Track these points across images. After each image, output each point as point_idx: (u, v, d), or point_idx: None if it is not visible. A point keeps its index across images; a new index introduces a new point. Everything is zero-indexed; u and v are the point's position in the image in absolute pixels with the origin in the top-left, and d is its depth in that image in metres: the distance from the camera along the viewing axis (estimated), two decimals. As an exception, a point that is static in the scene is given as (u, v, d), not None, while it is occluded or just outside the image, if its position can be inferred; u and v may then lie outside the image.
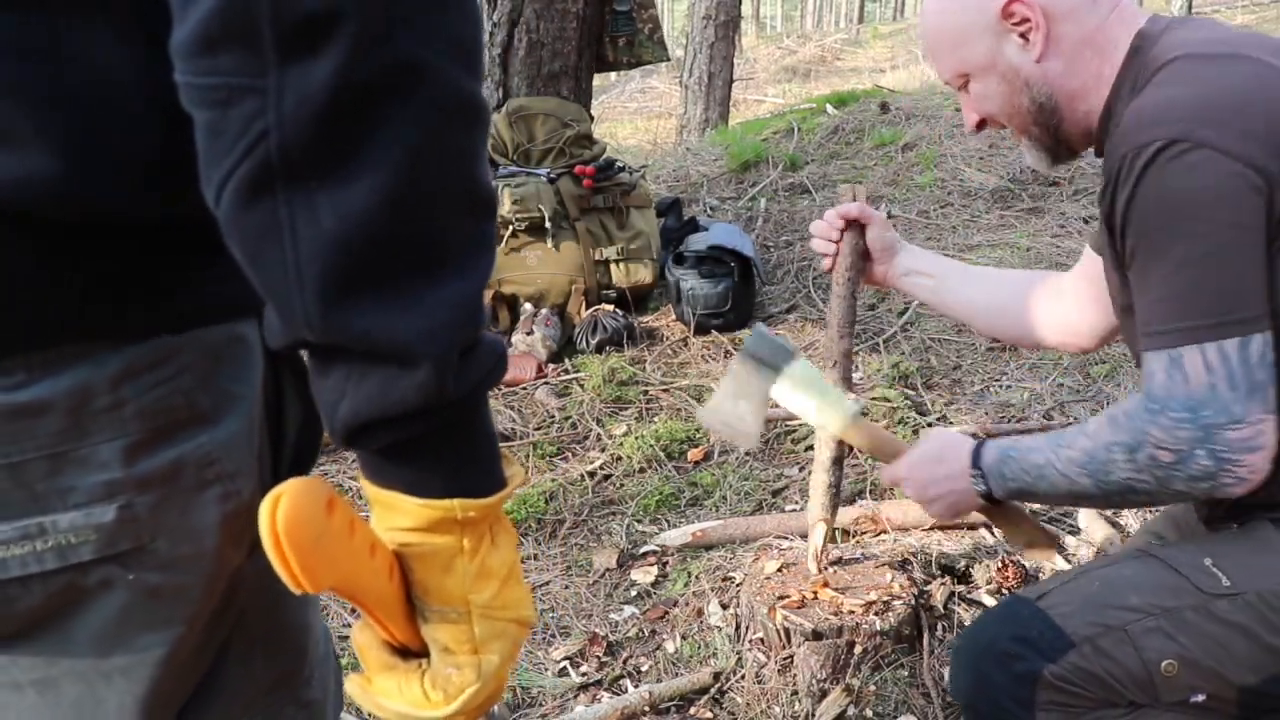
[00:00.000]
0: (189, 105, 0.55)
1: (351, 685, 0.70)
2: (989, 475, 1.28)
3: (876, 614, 1.79)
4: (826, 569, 1.86)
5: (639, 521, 2.46)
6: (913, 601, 1.84)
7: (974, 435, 1.44)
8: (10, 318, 0.60)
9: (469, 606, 0.68)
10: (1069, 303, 1.57)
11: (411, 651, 0.70)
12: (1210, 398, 1.09)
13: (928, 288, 1.64)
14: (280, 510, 0.58)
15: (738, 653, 1.89)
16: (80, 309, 0.62)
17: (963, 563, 2.12)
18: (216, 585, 0.69)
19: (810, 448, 2.69)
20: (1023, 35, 1.28)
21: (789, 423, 2.80)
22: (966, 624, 1.91)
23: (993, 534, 2.25)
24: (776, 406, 1.43)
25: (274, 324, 0.60)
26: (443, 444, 0.64)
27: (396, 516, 0.65)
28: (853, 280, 1.63)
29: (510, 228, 3.57)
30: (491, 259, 0.63)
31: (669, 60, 4.69)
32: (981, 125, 1.40)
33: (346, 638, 2.08)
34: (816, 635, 1.75)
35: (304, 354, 0.63)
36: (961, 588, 2.03)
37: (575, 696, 1.88)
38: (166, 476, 0.65)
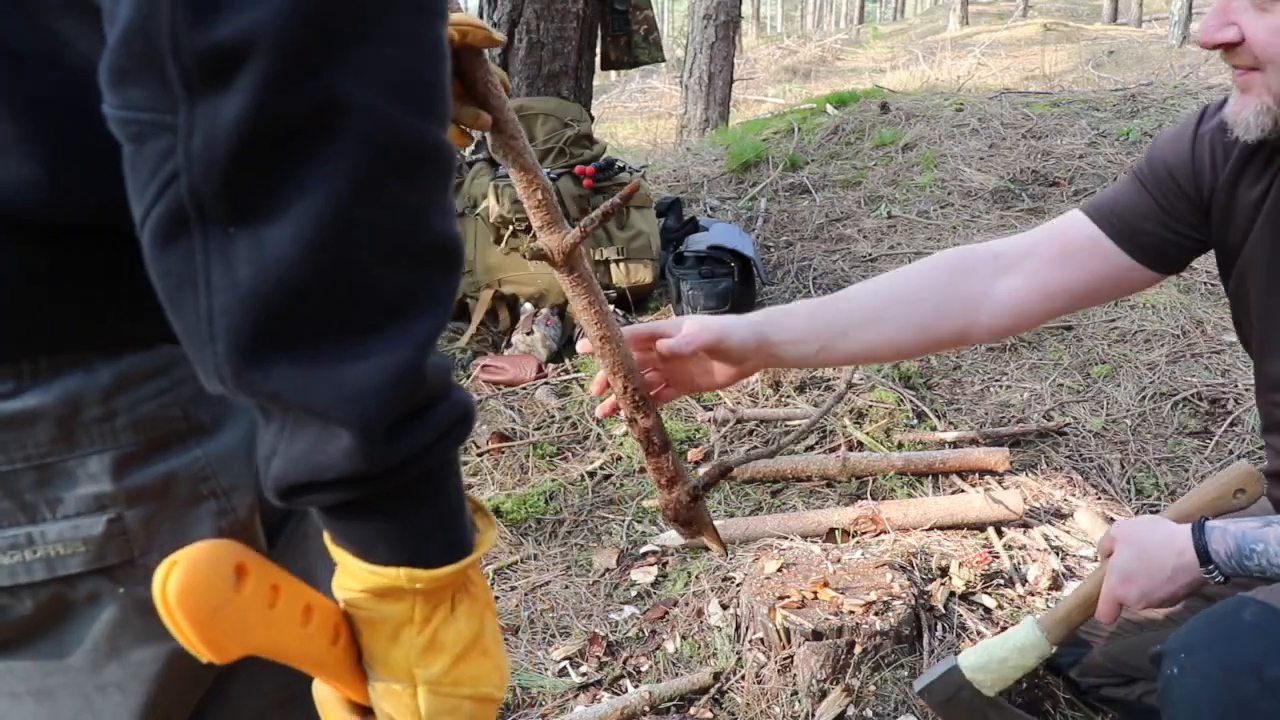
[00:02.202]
0: (117, 137, 0.51)
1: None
2: (1224, 569, 1.17)
3: (876, 614, 1.78)
4: None
5: (639, 521, 2.46)
6: (913, 601, 1.84)
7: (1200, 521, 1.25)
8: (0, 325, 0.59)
9: (414, 680, 0.63)
10: (1013, 279, 1.36)
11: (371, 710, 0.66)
12: None
13: (809, 346, 1.30)
14: (171, 581, 0.54)
15: (738, 653, 1.89)
16: (75, 316, 0.60)
17: (956, 563, 2.13)
18: None
19: (811, 447, 2.69)
20: None
21: (789, 423, 2.80)
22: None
23: (1001, 535, 2.26)
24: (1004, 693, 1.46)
25: (198, 371, 0.55)
26: (388, 509, 0.59)
27: (346, 577, 0.62)
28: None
29: (510, 227, 3.57)
30: (443, 317, 0.57)
31: (663, 61, 4.69)
32: (1223, 48, 1.11)
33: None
34: (816, 635, 1.75)
35: None
36: (960, 586, 2.03)
37: (575, 696, 1.88)
38: (159, 490, 0.64)
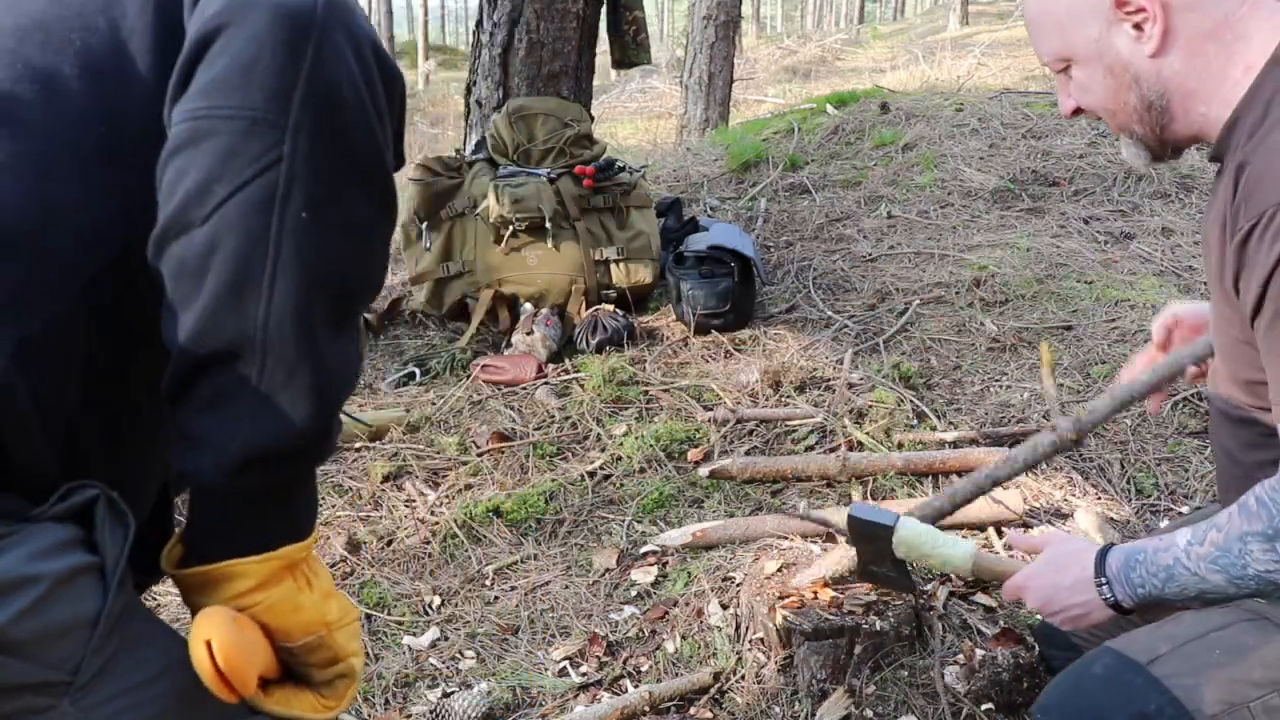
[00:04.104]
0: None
1: (253, 699, 0.78)
2: (1115, 582, 1.19)
3: (876, 614, 1.78)
4: None
5: (639, 521, 2.46)
6: (913, 601, 1.84)
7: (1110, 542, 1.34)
8: None
9: (327, 627, 0.78)
10: None
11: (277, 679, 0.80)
12: None
13: None
14: (218, 651, 0.69)
15: (738, 653, 1.88)
16: None
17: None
18: None
19: (810, 447, 2.69)
20: (1136, 26, 1.13)
21: (788, 423, 2.80)
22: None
23: (1000, 535, 2.26)
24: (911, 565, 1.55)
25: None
26: (302, 486, 0.76)
27: (237, 583, 0.74)
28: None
29: (510, 227, 3.57)
30: (351, 386, 0.77)
31: (649, 64, 4.70)
32: (1078, 113, 1.27)
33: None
34: (816, 635, 1.75)
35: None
36: (960, 586, 2.03)
37: (575, 696, 1.88)
38: None
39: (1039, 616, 1.38)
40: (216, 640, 0.69)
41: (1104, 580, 1.20)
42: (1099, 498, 2.42)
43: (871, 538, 1.54)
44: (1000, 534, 2.26)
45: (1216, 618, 1.21)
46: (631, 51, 4.37)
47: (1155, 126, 1.19)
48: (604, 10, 4.27)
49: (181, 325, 0.69)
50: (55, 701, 0.70)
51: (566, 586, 2.23)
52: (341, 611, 0.80)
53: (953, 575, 1.58)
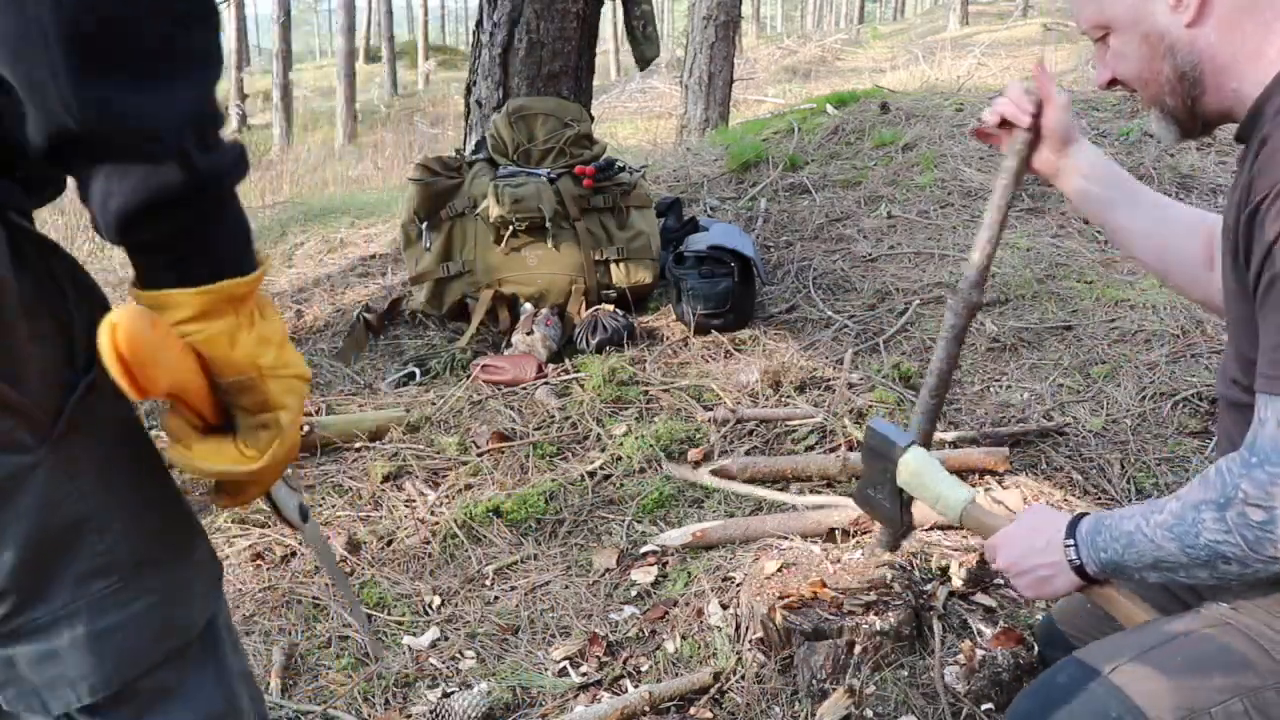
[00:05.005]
0: None
1: (174, 454, 0.81)
2: (1082, 544, 1.22)
3: (876, 614, 1.79)
4: None
5: (639, 521, 2.46)
6: (913, 601, 1.84)
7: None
8: None
9: (259, 370, 0.79)
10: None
11: (216, 428, 0.82)
12: None
13: (1093, 198, 1.47)
14: (120, 334, 0.70)
15: (738, 653, 1.88)
16: None
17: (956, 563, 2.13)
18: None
19: (810, 447, 2.69)
20: None
21: (788, 423, 2.80)
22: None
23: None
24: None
25: (39, 122, 0.67)
26: (205, 231, 0.74)
27: (175, 312, 0.75)
28: (1020, 167, 1.50)
29: (510, 227, 3.57)
30: (217, 69, 0.72)
31: (658, 56, 4.71)
32: (1112, 84, 1.27)
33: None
34: (816, 635, 1.75)
35: (75, 177, 0.73)
36: (960, 586, 2.03)
37: (575, 696, 1.88)
38: None
39: (1005, 578, 1.37)
40: (121, 325, 0.70)
41: (1072, 542, 1.23)
42: (1099, 498, 2.42)
43: (881, 455, 1.51)
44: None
45: (1180, 625, 1.22)
46: (641, 45, 4.38)
47: (1186, 98, 1.20)
48: (621, 13, 4.29)
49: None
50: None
51: (566, 586, 2.23)
52: (281, 361, 0.81)
53: (942, 522, 1.52)
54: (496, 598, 2.22)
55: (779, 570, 1.93)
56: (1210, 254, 1.41)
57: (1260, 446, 1.04)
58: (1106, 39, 1.24)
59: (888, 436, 1.52)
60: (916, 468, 1.48)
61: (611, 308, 3.51)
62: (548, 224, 3.56)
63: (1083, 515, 1.25)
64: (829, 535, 2.25)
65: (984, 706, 1.71)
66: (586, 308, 3.55)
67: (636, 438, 2.74)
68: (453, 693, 1.87)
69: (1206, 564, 1.09)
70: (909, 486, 1.50)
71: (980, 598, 2.03)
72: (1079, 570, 1.23)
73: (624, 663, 1.97)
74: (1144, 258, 1.50)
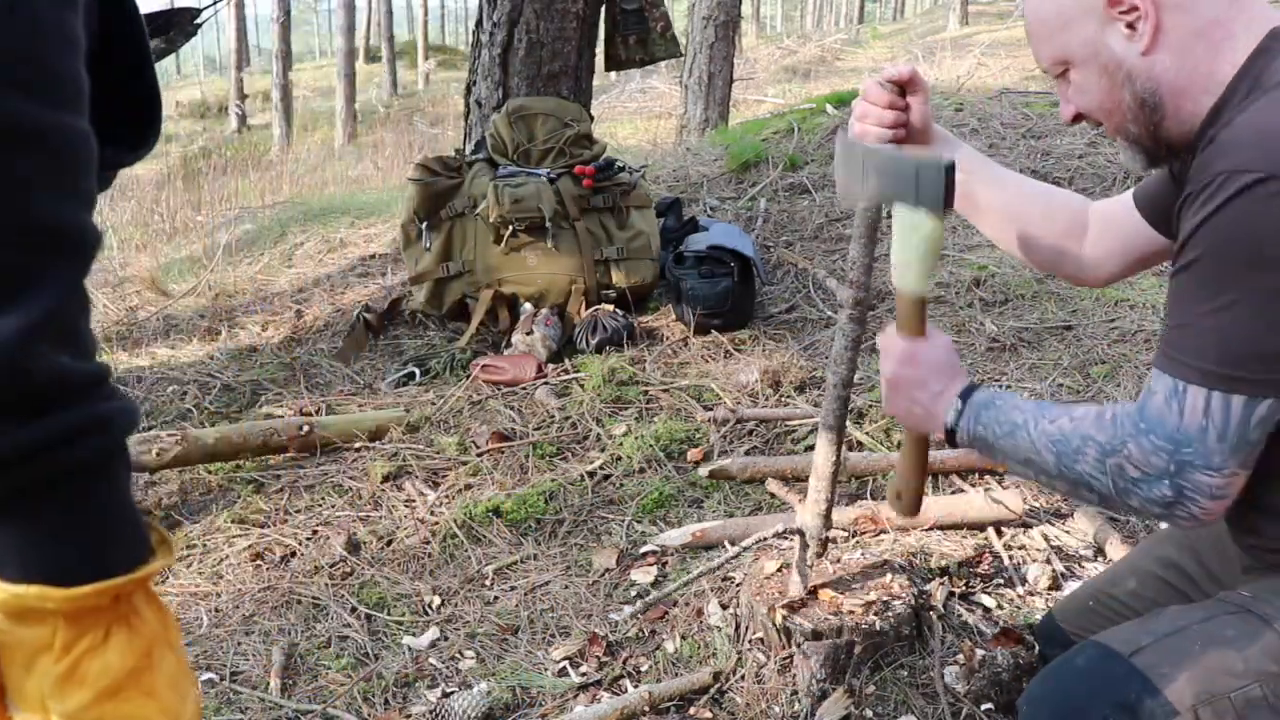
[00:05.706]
0: None
1: None
2: (968, 412, 1.25)
3: (876, 614, 1.78)
4: None
5: (639, 521, 2.46)
6: (913, 601, 1.84)
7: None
8: None
9: (48, 716, 0.57)
10: (1089, 239, 1.49)
11: None
12: (1197, 439, 1.07)
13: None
14: None
15: (738, 653, 1.88)
16: None
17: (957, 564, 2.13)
18: None
19: (810, 447, 2.69)
20: (1129, 25, 1.17)
21: (788, 423, 2.80)
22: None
23: (1000, 535, 2.26)
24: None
25: None
26: (15, 515, 0.54)
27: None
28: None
29: (510, 227, 3.57)
30: (59, 305, 0.53)
31: (681, 55, 4.69)
32: (1078, 119, 1.30)
33: (346, 637, 2.07)
34: (816, 635, 1.75)
35: None
36: (960, 586, 2.03)
37: (575, 696, 1.88)
38: None
39: (880, 389, 1.36)
40: None
41: (960, 407, 1.26)
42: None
43: (850, 166, 1.39)
44: (1000, 534, 2.26)
45: (1199, 612, 1.25)
46: (659, 46, 4.37)
47: (1149, 125, 1.22)
48: (608, 7, 4.27)
49: None
50: None
51: (566, 586, 2.23)
52: (97, 717, 0.57)
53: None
54: (496, 598, 2.22)
55: (779, 570, 1.93)
56: (1078, 226, 1.49)
57: (1148, 415, 1.11)
58: (1067, 74, 1.26)
59: (892, 162, 1.32)
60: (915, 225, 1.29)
61: (611, 308, 3.51)
62: (548, 224, 3.56)
63: (982, 383, 1.27)
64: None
65: (984, 706, 1.71)
66: (586, 308, 3.55)
67: (636, 438, 2.74)
68: (452, 693, 1.87)
69: (1073, 485, 1.18)
70: (898, 237, 1.33)
71: (980, 598, 2.03)
72: (949, 432, 1.27)
73: (624, 663, 1.97)
74: (1004, 236, 1.55)
